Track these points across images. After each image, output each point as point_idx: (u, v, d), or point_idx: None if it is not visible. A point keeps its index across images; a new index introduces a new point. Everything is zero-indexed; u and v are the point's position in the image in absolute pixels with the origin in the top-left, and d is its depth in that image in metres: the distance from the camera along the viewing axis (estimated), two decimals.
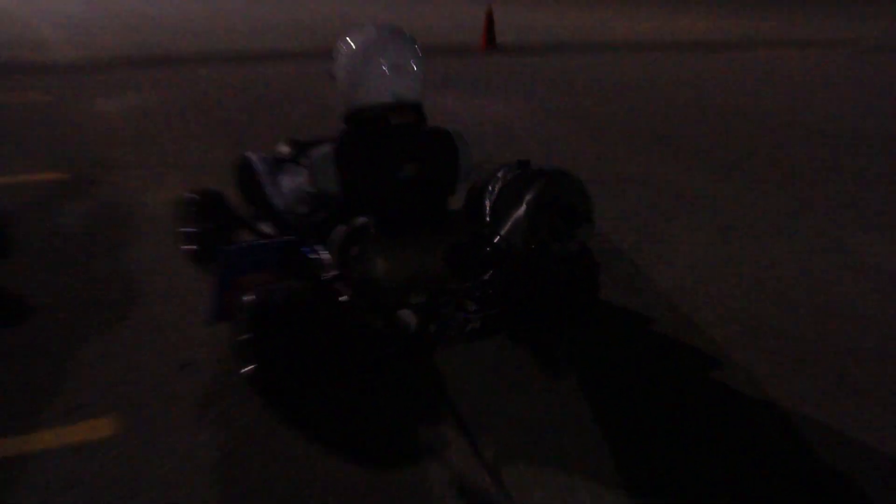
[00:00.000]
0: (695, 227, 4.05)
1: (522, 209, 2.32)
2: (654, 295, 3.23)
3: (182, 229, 3.40)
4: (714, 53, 10.04)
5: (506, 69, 8.55)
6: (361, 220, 2.48)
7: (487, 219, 2.40)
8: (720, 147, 5.69)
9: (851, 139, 5.99)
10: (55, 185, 4.45)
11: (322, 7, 13.28)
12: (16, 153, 5.06)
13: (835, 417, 2.41)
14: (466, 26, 10.67)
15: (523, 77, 8.16)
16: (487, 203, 2.42)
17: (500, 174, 2.46)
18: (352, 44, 2.48)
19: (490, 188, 2.44)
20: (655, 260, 3.60)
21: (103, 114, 6.22)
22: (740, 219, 4.19)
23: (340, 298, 2.46)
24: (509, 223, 2.33)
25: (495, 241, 2.32)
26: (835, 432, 2.33)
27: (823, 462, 2.21)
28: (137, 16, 11.97)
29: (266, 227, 3.12)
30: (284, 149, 2.99)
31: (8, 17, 11.56)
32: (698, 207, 4.35)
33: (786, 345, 2.85)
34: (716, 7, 14.75)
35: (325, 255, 2.56)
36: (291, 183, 2.83)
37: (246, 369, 2.42)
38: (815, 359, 2.76)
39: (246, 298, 2.35)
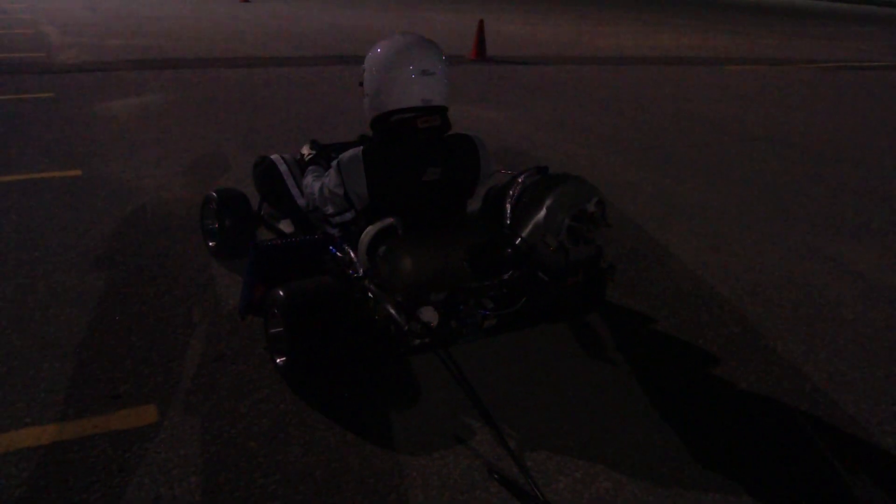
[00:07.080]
0: (687, 234, 4.22)
1: (543, 213, 2.45)
2: (654, 298, 3.39)
3: (204, 226, 3.50)
4: (693, 67, 10.32)
5: (496, 78, 8.72)
6: (389, 220, 2.59)
7: (508, 221, 2.53)
8: (704, 158, 5.89)
9: (824, 152, 6.24)
10: (71, 182, 4.50)
11: (320, 18, 13.43)
12: (29, 150, 5.09)
13: (828, 411, 2.59)
14: (458, 37, 10.84)
15: (513, 87, 8.33)
16: (508, 206, 2.55)
17: (520, 179, 2.60)
18: (382, 52, 2.59)
19: (510, 192, 2.57)
20: (653, 265, 3.76)
21: (111, 113, 6.26)
22: (728, 226, 4.38)
23: (368, 294, 2.57)
24: (530, 226, 2.45)
25: (516, 242, 2.45)
26: (828, 426, 2.51)
27: (822, 455, 2.38)
28: (141, 20, 12.01)
29: (285, 227, 3.22)
30: (306, 150, 3.08)
31: (15, 20, 11.50)
32: (689, 215, 4.53)
33: (778, 346, 3.03)
34: (692, 26, 15.13)
35: (352, 253, 2.67)
36: (316, 184, 2.94)
37: (279, 361, 2.52)
38: (805, 359, 2.94)
39: (279, 293, 2.45)
